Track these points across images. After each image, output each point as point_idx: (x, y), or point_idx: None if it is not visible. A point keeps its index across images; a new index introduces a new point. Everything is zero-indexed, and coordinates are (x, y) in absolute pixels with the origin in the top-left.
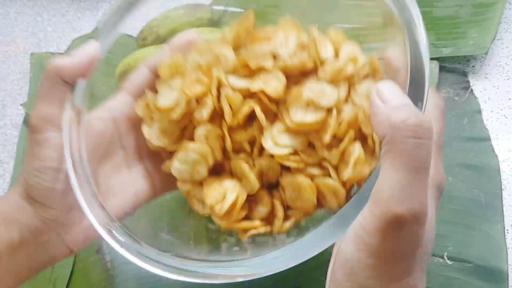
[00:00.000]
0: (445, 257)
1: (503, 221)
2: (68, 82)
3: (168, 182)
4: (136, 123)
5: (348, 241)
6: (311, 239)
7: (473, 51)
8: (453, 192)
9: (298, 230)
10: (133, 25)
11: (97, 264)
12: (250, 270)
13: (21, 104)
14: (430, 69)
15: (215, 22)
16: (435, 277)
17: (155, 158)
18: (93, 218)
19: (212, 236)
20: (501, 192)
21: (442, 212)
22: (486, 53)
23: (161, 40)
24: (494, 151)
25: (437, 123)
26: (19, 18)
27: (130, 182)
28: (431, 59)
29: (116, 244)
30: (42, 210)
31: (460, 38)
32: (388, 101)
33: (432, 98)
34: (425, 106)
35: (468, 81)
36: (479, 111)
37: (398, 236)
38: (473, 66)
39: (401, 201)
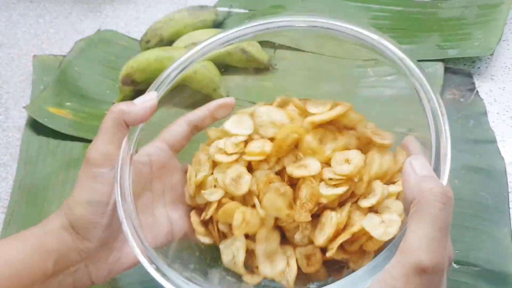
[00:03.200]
0: None
1: (510, 224)
2: (128, 126)
3: (187, 231)
4: (167, 171)
5: (375, 285)
6: (346, 282)
7: (479, 52)
8: (459, 195)
9: None
10: (138, 28)
11: None
12: None
13: (23, 107)
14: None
15: (219, 24)
16: None
17: (177, 206)
18: (137, 249)
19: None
20: (508, 194)
21: None
22: (491, 54)
23: (164, 42)
24: (500, 154)
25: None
26: (22, 21)
27: (153, 223)
28: (437, 60)
29: (158, 275)
30: (80, 242)
31: (465, 39)
32: (418, 171)
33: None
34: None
35: (473, 83)
36: (485, 113)
37: (420, 283)
38: (479, 68)
39: (426, 253)
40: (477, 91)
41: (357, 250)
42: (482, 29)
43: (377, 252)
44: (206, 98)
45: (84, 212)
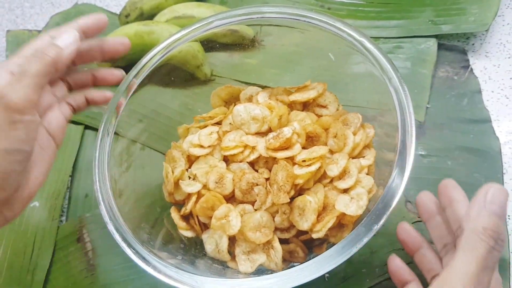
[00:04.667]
0: None
1: None
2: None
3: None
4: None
5: None
6: (331, 253)
7: (474, 28)
8: (453, 177)
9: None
10: (117, 1)
11: (78, 254)
12: (283, 282)
13: None
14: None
15: None
16: None
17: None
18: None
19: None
20: (503, 176)
21: None
22: (486, 31)
23: (145, 16)
24: (495, 133)
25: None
26: None
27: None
28: (430, 36)
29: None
30: None
31: (460, 14)
32: (490, 204)
33: None
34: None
35: (467, 60)
36: (479, 91)
37: None
38: (473, 44)
39: None
40: (471, 69)
41: (336, 225)
42: (477, 4)
43: (355, 223)
44: (189, 76)
45: (1, 161)
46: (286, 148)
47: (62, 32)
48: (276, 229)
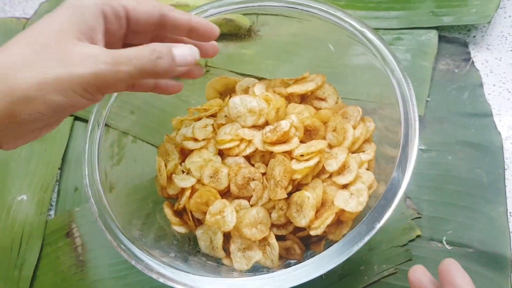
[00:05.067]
0: (443, 241)
1: (506, 203)
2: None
3: None
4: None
5: None
6: (330, 252)
7: (476, 20)
8: (453, 172)
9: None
10: None
11: (67, 249)
12: (282, 282)
13: None
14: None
15: None
16: (433, 263)
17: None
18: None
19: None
20: (504, 172)
21: (441, 194)
22: (488, 23)
23: None
24: (496, 128)
25: None
26: None
27: None
28: (430, 27)
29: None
30: None
31: (461, 5)
32: None
33: None
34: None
35: (469, 52)
36: (481, 85)
37: None
38: (474, 36)
39: None
40: (472, 62)
41: (334, 222)
42: None
43: (355, 219)
44: None
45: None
46: (284, 142)
47: (182, 45)
48: (272, 225)
